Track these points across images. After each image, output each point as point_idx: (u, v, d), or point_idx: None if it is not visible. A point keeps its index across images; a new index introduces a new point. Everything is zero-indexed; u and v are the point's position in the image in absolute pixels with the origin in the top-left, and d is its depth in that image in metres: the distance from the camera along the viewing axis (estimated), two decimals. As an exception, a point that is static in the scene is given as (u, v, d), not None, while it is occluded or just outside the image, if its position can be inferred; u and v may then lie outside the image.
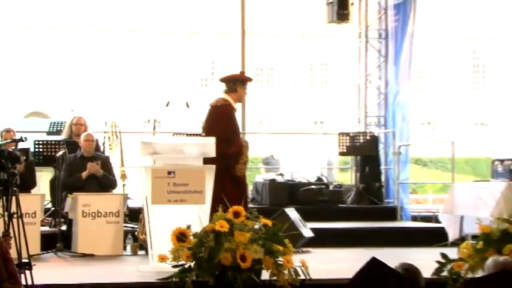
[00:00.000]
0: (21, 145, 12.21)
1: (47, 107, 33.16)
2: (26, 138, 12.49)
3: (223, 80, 10.75)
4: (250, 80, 11.11)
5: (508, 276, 5.95)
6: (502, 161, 13.38)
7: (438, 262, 8.47)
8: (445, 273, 8.30)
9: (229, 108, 10.47)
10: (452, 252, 8.64)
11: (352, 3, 16.88)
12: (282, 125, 34.86)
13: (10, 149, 10.96)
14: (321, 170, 18.87)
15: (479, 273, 7.28)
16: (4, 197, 7.32)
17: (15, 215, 7.09)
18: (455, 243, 9.72)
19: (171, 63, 39.81)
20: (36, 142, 12.95)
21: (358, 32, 17.66)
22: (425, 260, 8.38)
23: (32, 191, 11.84)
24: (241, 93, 10.60)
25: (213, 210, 8.91)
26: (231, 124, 10.62)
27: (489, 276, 6.09)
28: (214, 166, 9.62)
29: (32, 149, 12.54)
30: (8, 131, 13.03)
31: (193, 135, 13.76)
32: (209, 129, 10.50)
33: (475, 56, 44.86)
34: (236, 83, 10.55)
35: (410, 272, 5.86)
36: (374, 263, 5.40)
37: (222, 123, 10.47)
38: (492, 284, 5.44)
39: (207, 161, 9.80)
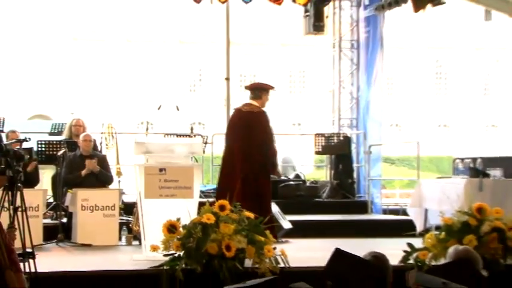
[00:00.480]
0: (25, 145, 12.29)
1: (49, 110, 33.05)
2: (29, 138, 12.50)
3: (249, 87, 11.04)
4: (272, 88, 11.14)
5: (467, 263, 5.96)
6: (462, 159, 13.43)
7: (405, 251, 8.49)
8: (411, 261, 8.32)
9: (266, 114, 10.71)
10: (418, 242, 8.67)
11: (327, 16, 16.88)
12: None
13: (15, 148, 10.95)
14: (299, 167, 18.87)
15: (442, 261, 7.28)
16: (10, 192, 7.30)
17: (19, 209, 7.08)
18: (421, 234, 9.74)
19: (163, 70, 39.81)
20: (39, 142, 12.99)
21: (332, 43, 17.66)
22: (393, 249, 8.37)
23: (35, 186, 11.77)
24: (265, 100, 10.78)
25: (256, 204, 9.75)
26: (271, 129, 10.86)
27: (451, 264, 6.10)
28: (201, 165, 9.68)
29: (35, 148, 12.57)
30: (13, 131, 13.11)
31: (183, 135, 13.75)
32: (257, 129, 10.59)
33: (438, 64, 44.99)
34: (261, 91, 10.84)
35: (378, 259, 5.86)
36: (338, 253, 5.39)
37: (265, 128, 10.74)
38: (453, 271, 5.44)
39: (252, 161, 10.33)
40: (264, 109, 10.70)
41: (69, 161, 11.79)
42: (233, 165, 10.60)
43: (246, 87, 11.06)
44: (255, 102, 10.79)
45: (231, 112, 13.92)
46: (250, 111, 10.73)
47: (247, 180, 10.43)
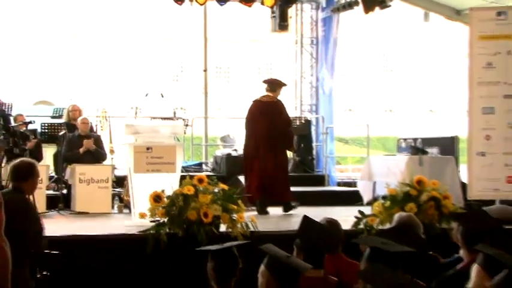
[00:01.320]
0: (30, 126, 12.22)
1: (51, 96, 32.83)
2: (34, 121, 12.49)
3: (267, 81, 11.42)
4: (286, 85, 11.51)
5: (408, 227, 5.98)
6: (405, 139, 13.46)
7: (356, 217, 8.52)
8: (361, 226, 8.34)
9: (283, 103, 11.17)
10: (367, 210, 8.70)
11: (290, 17, 16.88)
12: (237, 111, 34.90)
13: (21, 130, 10.84)
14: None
15: (387, 226, 7.31)
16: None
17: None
18: (370, 203, 9.78)
19: (150, 63, 39.77)
20: (43, 124, 13.03)
21: (295, 39, 17.66)
22: (346, 216, 8.41)
23: (39, 163, 11.71)
24: (278, 93, 11.12)
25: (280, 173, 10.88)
26: (288, 115, 11.45)
27: (395, 228, 6.11)
28: (182, 144, 9.72)
29: (39, 130, 12.57)
30: (20, 115, 13.20)
31: (167, 119, 13.74)
32: (278, 115, 11.02)
33: (385, 58, 45.14)
34: (277, 86, 11.18)
35: (332, 224, 5.86)
36: (306, 219, 5.39)
37: (285, 114, 11.22)
38: (397, 234, 5.44)
39: (275, 140, 10.84)
40: (279, 97, 11.09)
41: (69, 141, 11.75)
42: (257, 146, 10.92)
43: (264, 81, 11.41)
44: (271, 94, 11.10)
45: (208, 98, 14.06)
46: (270, 101, 11.04)
47: (270, 156, 10.85)
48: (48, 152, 12.73)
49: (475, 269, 4.08)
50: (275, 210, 10.87)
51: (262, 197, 10.80)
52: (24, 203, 5.95)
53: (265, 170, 10.83)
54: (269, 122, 10.92)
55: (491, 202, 10.20)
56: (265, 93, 11.19)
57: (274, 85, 11.27)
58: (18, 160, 6.25)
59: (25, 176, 6.00)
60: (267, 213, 10.69)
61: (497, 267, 3.73)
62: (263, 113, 11.03)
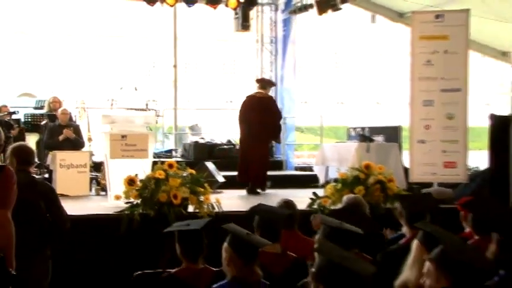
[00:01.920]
0: (14, 116, 12.07)
1: (34, 89, 32.44)
2: (18, 111, 12.34)
3: (260, 81, 12.12)
4: (275, 85, 12.55)
5: (356, 208, 6.02)
6: (354, 128, 13.56)
7: (311, 198, 8.55)
8: (315, 206, 8.37)
9: (274, 99, 11.97)
10: (321, 192, 8.74)
11: (252, 18, 16.88)
12: (204, 102, 34.78)
13: (6, 119, 10.70)
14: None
15: (339, 206, 7.34)
16: (2, 154, 7.16)
17: (10, 167, 6.94)
18: (323, 186, 9.81)
19: (125, 59, 39.53)
20: (26, 114, 12.83)
21: (256, 38, 17.65)
22: (302, 197, 8.43)
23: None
24: (268, 91, 11.70)
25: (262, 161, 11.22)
26: (279, 109, 11.90)
27: (344, 208, 6.15)
28: (154, 133, 9.73)
29: (22, 119, 12.46)
30: (4, 106, 13.06)
31: (140, 110, 13.66)
32: (270, 109, 11.36)
33: (336, 56, 45.29)
34: (267, 84, 11.80)
35: (288, 204, 5.88)
36: (260, 206, 5.42)
37: (276, 109, 11.69)
38: (347, 213, 5.48)
39: (267, 130, 11.20)
40: (269, 94, 11.71)
41: (50, 129, 11.64)
42: (250, 136, 11.20)
43: (257, 80, 12.19)
44: (262, 91, 11.43)
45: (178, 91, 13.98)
46: (263, 96, 11.35)
47: (262, 142, 11.29)
48: (31, 140, 12.59)
49: (415, 244, 4.13)
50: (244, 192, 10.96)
51: (252, 180, 11.19)
52: (52, 187, 5.77)
53: (253, 156, 11.18)
54: (261, 115, 11.11)
55: (429, 185, 10.31)
56: (256, 90, 11.58)
57: (265, 83, 11.77)
58: (18, 144, 5.94)
59: (30, 160, 5.75)
60: (257, 193, 10.99)
61: (434, 243, 3.77)
62: (256, 107, 11.22)
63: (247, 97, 11.60)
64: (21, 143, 6.18)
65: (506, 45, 11.60)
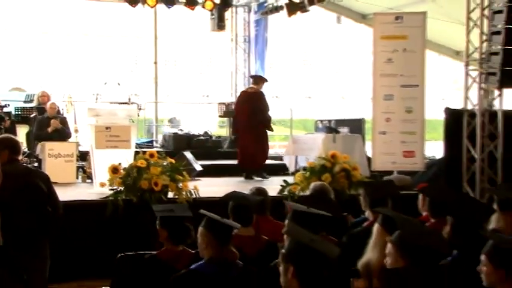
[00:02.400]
0: (5, 109, 11.95)
1: (24, 84, 32.12)
2: (8, 104, 12.23)
3: (254, 77, 12.54)
4: (266, 80, 12.19)
5: (324, 194, 6.04)
6: (321, 121, 13.62)
7: (281, 185, 8.57)
8: (285, 193, 8.40)
9: (264, 94, 11.83)
10: (291, 179, 8.77)
11: (227, 19, 16.88)
12: (182, 97, 34.70)
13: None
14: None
15: (307, 193, 7.37)
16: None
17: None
18: (293, 174, 9.84)
19: (109, 56, 39.35)
20: (17, 108, 12.78)
21: (230, 37, 17.63)
22: (274, 184, 8.47)
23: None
24: (261, 86, 11.75)
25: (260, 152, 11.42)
26: (267, 102, 11.77)
27: (312, 194, 6.17)
28: (136, 125, 9.70)
29: (13, 112, 12.35)
30: None
31: (123, 103, 13.60)
32: (259, 103, 11.53)
33: (305, 54, 45.36)
34: (260, 80, 11.91)
35: (260, 191, 5.88)
36: (234, 193, 5.43)
37: (265, 102, 11.67)
38: (314, 199, 5.51)
39: (257, 120, 11.39)
40: (262, 90, 11.76)
41: (39, 122, 11.53)
42: (243, 126, 11.64)
43: (251, 76, 12.76)
44: (255, 86, 11.73)
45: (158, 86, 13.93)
46: (254, 92, 11.62)
47: (254, 131, 11.41)
48: (21, 131, 12.49)
49: (375, 227, 4.15)
50: (222, 180, 10.95)
51: (246, 165, 11.45)
52: (47, 175, 5.64)
53: (247, 144, 11.46)
54: (252, 107, 11.41)
55: (390, 173, 10.38)
56: (251, 85, 12.02)
57: (258, 80, 11.99)
58: (6, 136, 5.80)
59: (20, 150, 5.56)
60: (251, 178, 11.12)
61: (393, 226, 3.80)
62: (247, 100, 11.57)
63: (242, 92, 12.25)
64: (7, 135, 6.01)
65: (459, 45, 11.68)
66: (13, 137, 5.78)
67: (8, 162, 5.22)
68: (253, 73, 17.10)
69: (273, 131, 11.97)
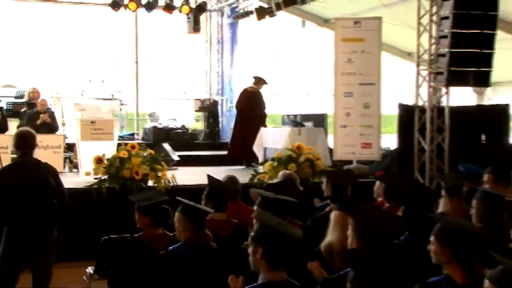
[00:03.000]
0: (-3, 105, 11.74)
1: (15, 81, 31.66)
2: (0, 100, 12.05)
3: (255, 77, 12.22)
4: (266, 83, 12.34)
5: (290, 182, 6.05)
6: (288, 115, 13.64)
7: (252, 174, 8.59)
8: (255, 181, 8.41)
9: (261, 93, 12.04)
10: (260, 169, 8.79)
11: (202, 22, 16.85)
12: (161, 93, 34.47)
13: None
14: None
15: (275, 181, 7.38)
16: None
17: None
18: (262, 164, 9.85)
19: (94, 56, 39.01)
20: (8, 103, 12.55)
21: (205, 39, 17.59)
22: (245, 174, 8.47)
23: (5, 133, 11.31)
24: (260, 87, 11.96)
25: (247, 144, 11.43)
26: (264, 101, 12.19)
27: (280, 182, 6.18)
28: (118, 119, 9.65)
29: (5, 107, 12.16)
30: None
31: (107, 99, 13.50)
32: (258, 101, 11.88)
33: (273, 55, 45.38)
34: (260, 81, 12.02)
35: (232, 179, 5.88)
36: (210, 177, 5.42)
37: (262, 100, 12.04)
38: (281, 186, 5.52)
39: (254, 116, 11.75)
40: (260, 90, 11.98)
41: (29, 116, 11.38)
42: (241, 121, 11.92)
43: (253, 77, 12.29)
44: (255, 86, 11.92)
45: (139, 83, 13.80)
46: (254, 91, 11.86)
47: (251, 125, 11.56)
48: (12, 124, 12.33)
49: (334, 212, 4.14)
50: (198, 169, 10.92)
51: (236, 155, 11.78)
52: (53, 168, 5.50)
53: (241, 136, 11.75)
54: (250, 105, 11.75)
55: (350, 162, 10.44)
56: (251, 85, 12.09)
57: (257, 80, 12.06)
58: (22, 129, 5.63)
59: (33, 143, 5.43)
60: (251, 166, 11.13)
61: (352, 210, 3.82)
62: (247, 99, 11.86)
63: (243, 90, 12.30)
64: (22, 128, 5.86)
65: (411, 48, 11.77)
66: (27, 130, 5.60)
67: (21, 155, 5.26)
68: (225, 72, 17.11)
69: (266, 126, 12.00)
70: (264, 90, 12.48)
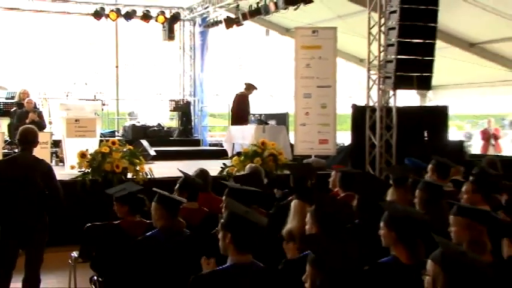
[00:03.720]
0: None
1: (6, 83, 31.09)
2: (-8, 101, 11.77)
3: (246, 83, 12.85)
4: (256, 88, 12.83)
5: (255, 174, 6.05)
6: (253, 114, 13.58)
7: (221, 167, 8.57)
8: (224, 173, 8.39)
9: (248, 97, 12.64)
10: (229, 162, 8.76)
11: (176, 30, 16.76)
12: (139, 94, 34.16)
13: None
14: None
15: (242, 173, 7.37)
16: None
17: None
18: (230, 158, 9.82)
19: (78, 60, 38.54)
20: (-1, 103, 12.36)
21: (179, 46, 17.45)
22: (215, 167, 8.44)
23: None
24: (250, 92, 12.65)
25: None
26: (249, 101, 12.67)
27: (247, 175, 6.18)
28: (100, 117, 9.57)
29: (-5, 107, 11.98)
30: None
31: (90, 100, 13.32)
32: (242, 105, 12.49)
33: (240, 60, 45.36)
34: (250, 87, 12.65)
35: (203, 172, 5.84)
36: (182, 172, 5.38)
37: (247, 101, 12.60)
38: (248, 178, 5.51)
39: (242, 114, 12.28)
40: (248, 94, 12.57)
41: (18, 115, 11.20)
42: (233, 119, 12.54)
43: (245, 83, 12.87)
44: (245, 91, 12.58)
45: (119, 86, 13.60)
46: (242, 95, 12.56)
47: (238, 123, 12.06)
48: (3, 123, 12.11)
49: (294, 202, 4.14)
50: (172, 163, 10.83)
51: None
52: (49, 164, 5.41)
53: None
54: (238, 107, 12.40)
55: (309, 157, 10.49)
56: (242, 90, 12.68)
57: (248, 86, 12.69)
58: (25, 127, 5.51)
59: (33, 140, 5.30)
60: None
61: (311, 199, 3.83)
62: (236, 102, 12.57)
63: (235, 95, 12.78)
64: (26, 126, 5.77)
65: (363, 54, 11.87)
66: (29, 128, 5.50)
67: (22, 150, 5.26)
68: (197, 75, 17.08)
69: (247, 125, 12.01)
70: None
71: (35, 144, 5.33)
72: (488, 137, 14.93)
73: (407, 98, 13.44)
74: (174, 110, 16.46)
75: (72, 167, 8.11)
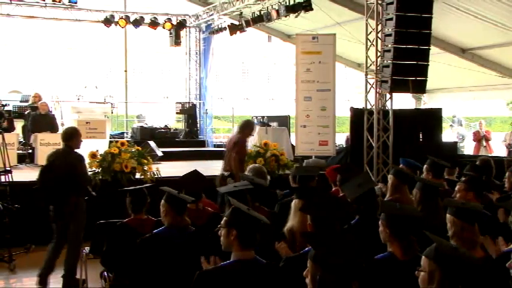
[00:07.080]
0: (6, 108, 11.55)
1: (20, 87, 31.15)
2: (8, 104, 11.86)
3: (240, 125, 9.21)
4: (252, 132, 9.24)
5: (260, 174, 6.02)
6: (256, 117, 13.63)
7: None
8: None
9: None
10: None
11: (182, 37, 16.75)
12: (147, 97, 34.18)
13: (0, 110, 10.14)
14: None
15: (246, 173, 7.36)
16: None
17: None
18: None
19: (89, 65, 38.54)
20: (14, 106, 12.44)
21: (185, 51, 17.47)
22: (220, 167, 8.42)
23: (12, 132, 11.12)
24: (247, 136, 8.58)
25: None
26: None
27: (250, 174, 6.14)
28: (110, 119, 9.52)
29: (12, 109, 12.01)
30: None
31: (100, 102, 13.33)
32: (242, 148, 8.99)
33: (243, 65, 45.31)
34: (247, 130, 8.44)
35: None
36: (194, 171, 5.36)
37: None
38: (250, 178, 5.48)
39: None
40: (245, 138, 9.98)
41: (32, 117, 11.18)
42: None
43: (239, 126, 9.72)
44: (240, 136, 10.00)
45: (128, 90, 13.58)
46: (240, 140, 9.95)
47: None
48: (18, 124, 12.14)
49: (294, 201, 4.13)
50: (179, 163, 10.83)
51: None
52: (80, 156, 5.97)
53: None
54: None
55: (309, 157, 10.48)
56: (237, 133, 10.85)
57: (242, 129, 9.37)
58: (68, 127, 6.34)
59: (70, 138, 5.99)
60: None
61: (309, 197, 3.81)
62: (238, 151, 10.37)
63: (231, 141, 10.78)
64: (69, 126, 6.58)
65: (361, 59, 11.87)
66: (71, 128, 6.34)
67: (65, 145, 6.05)
68: (203, 79, 17.07)
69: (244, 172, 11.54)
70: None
71: (74, 141, 6.07)
72: (480, 138, 14.92)
73: (403, 101, 13.43)
74: (180, 112, 16.47)
75: (83, 167, 8.11)
